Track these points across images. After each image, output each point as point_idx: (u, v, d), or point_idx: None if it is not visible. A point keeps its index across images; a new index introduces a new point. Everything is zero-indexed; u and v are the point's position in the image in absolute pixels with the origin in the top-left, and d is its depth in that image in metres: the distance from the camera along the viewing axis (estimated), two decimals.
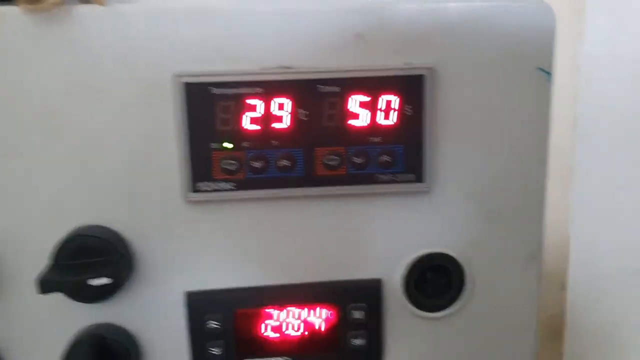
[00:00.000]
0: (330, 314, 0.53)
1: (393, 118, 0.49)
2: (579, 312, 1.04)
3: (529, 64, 0.50)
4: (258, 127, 0.48)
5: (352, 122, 0.49)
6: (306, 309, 0.53)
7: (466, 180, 0.52)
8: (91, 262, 0.48)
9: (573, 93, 0.98)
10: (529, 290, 0.55)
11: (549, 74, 0.51)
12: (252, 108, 0.48)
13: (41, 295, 0.48)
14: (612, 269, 1.01)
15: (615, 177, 0.99)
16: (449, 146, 0.51)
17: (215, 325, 0.52)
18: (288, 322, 0.53)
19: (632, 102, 0.94)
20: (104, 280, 0.46)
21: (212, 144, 0.49)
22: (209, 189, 0.49)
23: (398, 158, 0.50)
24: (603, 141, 0.97)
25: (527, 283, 0.55)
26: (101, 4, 0.46)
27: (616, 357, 1.03)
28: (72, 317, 0.52)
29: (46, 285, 0.45)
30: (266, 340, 0.53)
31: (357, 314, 0.53)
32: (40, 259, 0.48)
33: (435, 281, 0.53)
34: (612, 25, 0.89)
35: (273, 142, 0.49)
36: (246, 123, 0.48)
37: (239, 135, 0.48)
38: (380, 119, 0.49)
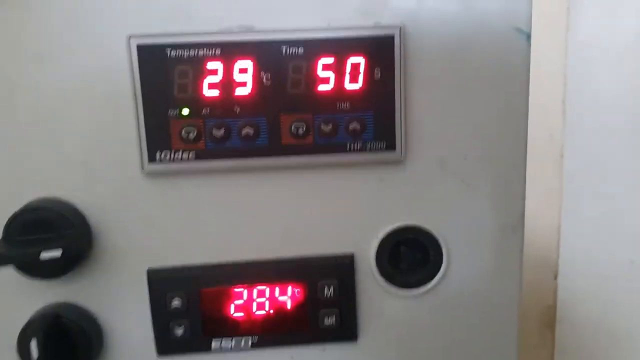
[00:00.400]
0: (300, 291, 0.50)
1: (362, 82, 0.46)
2: (570, 302, 1.01)
3: (505, 24, 0.47)
4: (218, 93, 0.46)
5: (319, 87, 0.46)
6: (275, 287, 0.50)
7: (441, 148, 0.49)
8: (44, 236, 0.45)
9: (563, 79, 0.95)
10: (510, 263, 0.52)
11: (527, 34, 0.48)
12: (212, 72, 0.45)
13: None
14: (605, 258, 0.98)
15: (608, 163, 0.96)
16: (423, 112, 0.48)
17: (178, 304, 0.49)
18: (256, 300, 0.50)
19: (623, 88, 0.91)
20: (55, 253, 0.43)
21: (170, 111, 0.46)
22: (167, 159, 0.47)
23: (368, 125, 0.47)
24: (595, 128, 0.94)
25: (508, 256, 0.52)
26: None
27: (610, 348, 0.99)
28: (32, 296, 0.49)
29: None
30: (233, 319, 0.50)
31: (329, 291, 0.50)
32: None
33: (410, 256, 0.50)
34: (602, 10, 0.86)
35: (235, 109, 0.46)
36: (206, 88, 0.46)
37: (198, 101, 0.46)
38: (348, 83, 0.46)
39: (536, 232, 0.79)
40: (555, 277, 1.07)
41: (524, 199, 0.50)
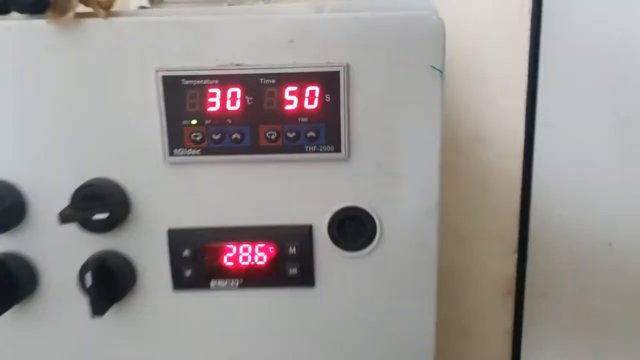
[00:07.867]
0: (273, 249, 0.70)
1: (317, 104, 0.65)
2: (540, 240, 1.14)
3: (422, 62, 0.65)
4: (217, 109, 0.66)
5: (286, 106, 0.66)
6: (255, 245, 0.70)
7: (374, 151, 0.66)
8: (96, 204, 0.67)
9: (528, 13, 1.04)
10: (429, 238, 0.69)
11: (440, 70, 0.66)
12: (212, 95, 0.65)
13: (64, 228, 0.68)
14: (574, 204, 1.12)
15: (579, 102, 1.07)
16: (361, 124, 0.66)
17: (188, 254, 0.70)
18: (242, 254, 0.70)
19: (598, 22, 1.01)
20: (104, 216, 0.65)
21: (184, 121, 0.66)
22: (182, 154, 0.67)
23: (321, 134, 0.66)
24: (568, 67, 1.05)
25: (427, 232, 0.69)
26: (102, 17, 0.64)
27: (577, 295, 1.14)
28: (87, 245, 0.70)
29: (65, 217, 0.64)
30: (226, 267, 0.71)
31: (292, 250, 0.70)
32: (63, 202, 0.67)
33: (353, 228, 0.69)
34: None
35: (228, 120, 0.66)
36: (208, 106, 0.66)
37: (202, 115, 0.66)
38: (307, 104, 0.65)
39: (500, 211, 0.97)
40: (515, 252, 1.23)
41: (438, 189, 0.68)
